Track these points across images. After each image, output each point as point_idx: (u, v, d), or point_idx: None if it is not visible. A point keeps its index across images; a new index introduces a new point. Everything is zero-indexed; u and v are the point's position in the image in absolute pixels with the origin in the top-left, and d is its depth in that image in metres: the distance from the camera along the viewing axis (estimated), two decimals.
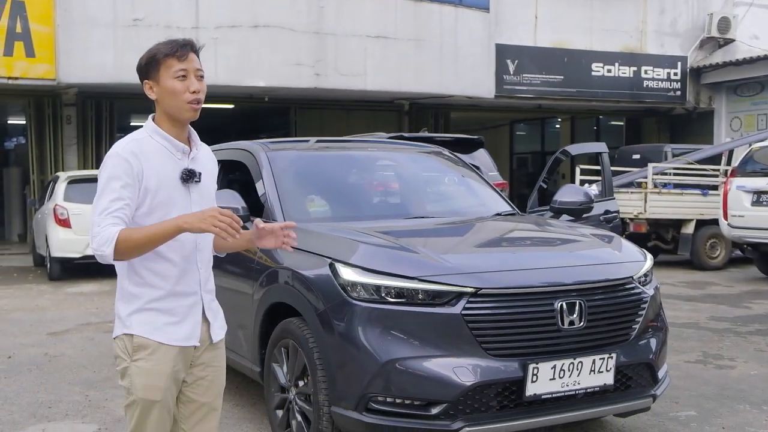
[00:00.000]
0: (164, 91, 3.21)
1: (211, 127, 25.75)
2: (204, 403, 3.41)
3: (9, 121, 25.86)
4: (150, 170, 3.15)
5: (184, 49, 3.23)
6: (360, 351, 4.43)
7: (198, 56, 3.32)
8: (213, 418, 3.47)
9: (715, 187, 16.01)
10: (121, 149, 3.16)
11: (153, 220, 3.14)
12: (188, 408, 3.38)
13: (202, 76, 3.29)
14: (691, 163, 16.79)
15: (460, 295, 4.38)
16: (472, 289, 4.39)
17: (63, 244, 14.08)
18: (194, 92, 3.21)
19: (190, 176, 3.25)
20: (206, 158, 3.43)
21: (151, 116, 3.31)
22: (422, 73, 18.76)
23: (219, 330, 3.42)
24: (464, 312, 4.35)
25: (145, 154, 3.17)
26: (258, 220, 3.40)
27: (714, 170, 16.70)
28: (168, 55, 3.20)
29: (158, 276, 3.20)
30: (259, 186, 6.00)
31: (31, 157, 19.59)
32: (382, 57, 18.24)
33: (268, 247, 3.40)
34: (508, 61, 20.58)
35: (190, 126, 3.35)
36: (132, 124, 28.28)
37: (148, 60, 3.23)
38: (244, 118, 24.58)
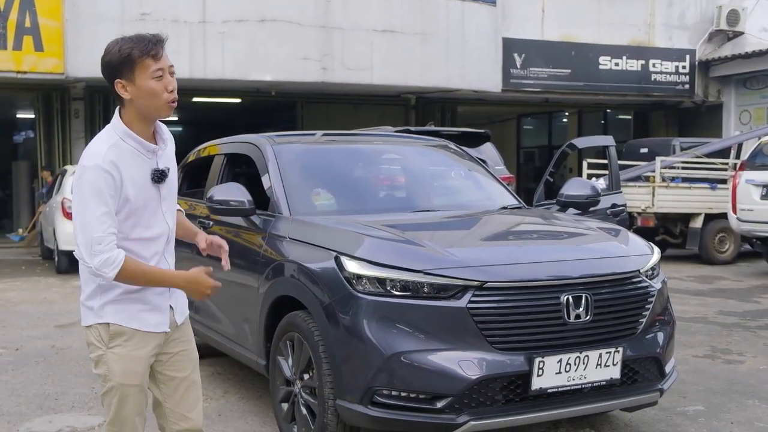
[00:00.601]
0: (142, 92, 3.19)
1: (218, 122, 25.85)
2: (184, 378, 3.55)
3: (18, 115, 25.88)
4: (128, 179, 3.20)
5: (157, 46, 3.20)
6: (365, 344, 4.41)
7: (164, 48, 3.27)
8: (195, 390, 3.61)
9: (723, 181, 15.95)
10: (101, 160, 3.15)
11: (128, 224, 3.23)
12: (169, 386, 3.52)
13: (174, 72, 3.29)
14: (700, 157, 16.72)
15: (465, 289, 4.36)
16: (477, 282, 4.37)
17: (71, 237, 13.92)
18: (171, 91, 3.23)
19: (161, 177, 3.32)
20: (170, 146, 3.46)
21: (117, 114, 3.30)
22: (429, 67, 18.71)
23: (181, 313, 3.55)
24: (470, 305, 4.33)
25: (122, 160, 3.19)
26: (201, 234, 3.80)
27: (723, 164, 16.65)
28: (143, 54, 3.17)
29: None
30: (265, 179, 5.99)
31: (39, 151, 19.63)
32: (389, 51, 18.21)
33: (212, 254, 3.77)
34: (515, 55, 20.49)
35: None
36: None
37: (121, 59, 3.18)
38: (250, 113, 24.58)
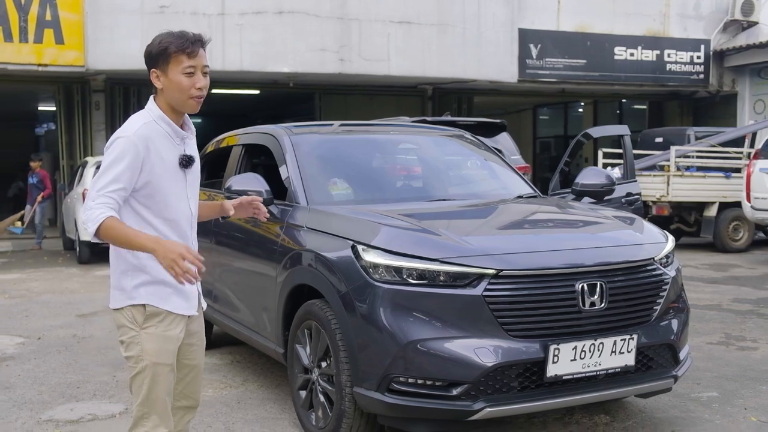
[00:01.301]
0: (171, 84, 3.37)
1: (237, 113, 25.92)
2: (194, 366, 3.69)
3: (39, 108, 26.01)
4: (156, 157, 3.35)
5: (194, 45, 3.36)
6: (382, 332, 4.42)
7: (205, 51, 3.44)
8: (200, 375, 3.78)
9: (738, 170, 15.88)
10: (132, 133, 3.32)
11: (153, 202, 3.38)
12: (182, 371, 3.63)
13: (207, 72, 3.44)
14: (714, 146, 16.65)
15: (481, 277, 4.36)
16: (493, 270, 4.37)
17: None
18: (199, 88, 3.39)
19: (187, 162, 3.48)
20: (194, 145, 3.64)
21: (152, 100, 3.47)
22: (445, 58, 18.68)
23: (202, 300, 3.69)
24: (485, 293, 4.33)
25: (153, 139, 3.36)
26: (227, 203, 3.80)
27: (737, 153, 16.56)
28: (179, 50, 3.34)
29: None
30: (282, 170, 5.99)
31: (60, 143, 19.72)
32: (406, 42, 18.18)
33: (242, 217, 3.85)
34: (531, 46, 20.42)
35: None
36: None
37: (159, 51, 3.36)
38: (269, 104, 24.60)
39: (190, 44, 3.35)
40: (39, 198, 17.42)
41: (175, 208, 3.47)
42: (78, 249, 14.64)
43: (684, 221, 16.26)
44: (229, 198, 5.67)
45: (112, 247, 3.41)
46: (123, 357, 3.51)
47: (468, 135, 7.24)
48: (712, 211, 15.73)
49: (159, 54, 3.36)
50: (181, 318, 3.48)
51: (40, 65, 16.64)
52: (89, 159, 15.97)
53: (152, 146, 3.34)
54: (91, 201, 3.24)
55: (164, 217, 3.42)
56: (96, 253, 14.51)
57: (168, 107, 3.43)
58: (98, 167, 14.44)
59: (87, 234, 3.30)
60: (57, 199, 20.27)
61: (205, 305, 3.74)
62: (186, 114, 3.53)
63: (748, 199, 13.88)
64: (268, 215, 3.81)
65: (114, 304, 3.46)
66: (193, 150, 3.57)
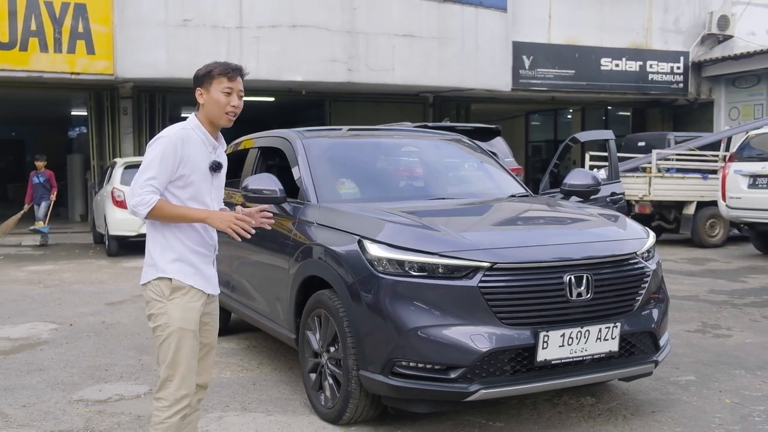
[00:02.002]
0: (211, 99, 3.71)
1: (254, 118, 25.92)
2: (207, 344, 3.90)
3: (72, 113, 26.02)
4: (189, 156, 3.66)
5: (234, 72, 3.74)
6: (385, 320, 4.43)
7: (243, 80, 3.79)
8: (212, 354, 4.00)
9: (714, 172, 15.83)
10: (173, 134, 3.66)
11: (185, 192, 3.69)
12: None
13: (242, 96, 3.79)
14: (693, 150, 16.62)
15: (477, 269, 4.36)
16: (488, 263, 4.37)
17: (120, 223, 14.17)
18: (234, 106, 3.74)
19: (216, 167, 3.81)
20: (224, 155, 3.96)
21: (194, 114, 3.80)
22: (445, 68, 18.66)
23: (217, 285, 3.92)
24: (481, 284, 4.33)
25: (189, 142, 3.68)
26: (239, 208, 3.84)
27: (713, 156, 16.50)
28: (221, 74, 3.71)
29: (188, 237, 3.71)
30: (295, 170, 5.99)
31: (91, 145, 19.72)
32: (409, 53, 18.17)
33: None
34: (524, 57, 20.39)
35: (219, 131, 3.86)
36: (182, 114, 28.45)
37: (205, 73, 3.73)
38: (283, 110, 24.57)
39: (231, 70, 3.72)
40: (53, 197, 17.05)
41: (203, 202, 3.76)
42: (107, 243, 14.66)
43: (664, 219, 16.22)
44: (245, 196, 5.71)
45: (148, 231, 3.75)
46: (151, 328, 3.73)
47: (465, 139, 7.22)
48: (690, 210, 15.70)
49: (204, 75, 3.72)
50: (201, 294, 3.73)
51: (72, 74, 16.64)
52: (118, 160, 15.99)
53: (187, 146, 3.65)
54: (138, 189, 3.55)
55: (198, 200, 3.73)
56: (124, 247, 14.55)
57: (206, 120, 3.75)
58: (126, 167, 14.49)
59: (135, 215, 3.58)
60: (88, 197, 20.30)
61: (218, 291, 3.93)
62: (219, 132, 3.84)
63: (724, 198, 13.85)
64: (272, 222, 3.96)
65: (144, 279, 3.72)
66: (222, 159, 3.88)
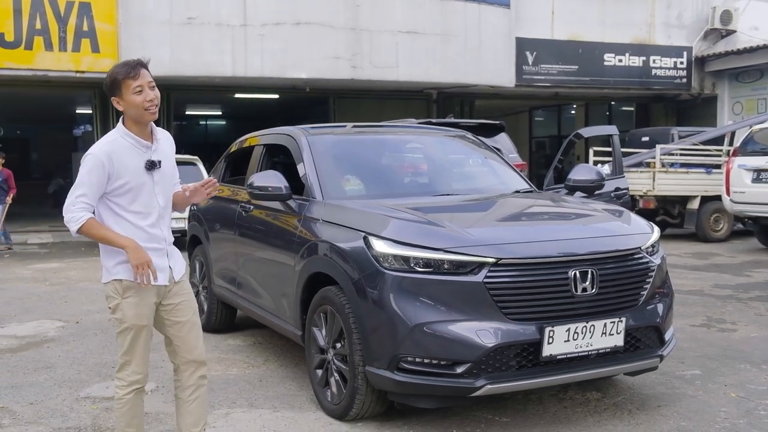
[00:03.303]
0: (128, 104, 3.79)
1: (258, 115, 25.90)
2: (186, 321, 4.12)
3: (77, 111, 26.05)
4: (121, 166, 3.80)
5: (135, 69, 3.79)
6: (391, 316, 4.43)
7: (148, 69, 3.86)
8: (195, 330, 4.18)
9: (718, 166, 15.81)
10: (97, 151, 3.80)
11: (125, 198, 3.85)
12: (175, 328, 4.11)
13: (153, 86, 3.84)
14: (696, 144, 16.59)
15: (482, 265, 4.36)
16: (493, 259, 4.37)
17: None
18: (150, 101, 3.79)
19: (152, 166, 3.90)
20: (165, 144, 4.05)
21: (120, 120, 3.91)
22: (449, 65, 18.65)
23: (179, 272, 4.10)
24: (486, 280, 4.33)
25: (117, 153, 3.80)
26: (184, 186, 4.13)
27: (717, 150, 16.49)
28: (126, 77, 3.76)
29: (133, 237, 3.84)
30: (300, 167, 5.98)
31: None
32: (413, 50, 18.15)
33: (198, 201, 4.24)
34: (527, 53, 20.37)
35: (152, 123, 3.94)
36: (187, 112, 28.46)
37: (112, 82, 3.80)
38: (287, 107, 24.57)
39: (132, 69, 3.78)
40: (9, 199, 15.72)
41: (146, 202, 3.91)
42: None
43: (669, 213, 16.22)
44: (250, 193, 5.73)
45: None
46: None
47: (469, 135, 7.21)
48: (694, 204, 15.70)
49: (113, 83, 3.79)
50: (154, 287, 3.94)
51: (77, 72, 16.67)
52: None
53: (115, 157, 3.78)
54: (70, 206, 3.76)
55: (132, 210, 3.87)
56: None
57: (131, 123, 3.86)
58: None
59: (71, 231, 3.78)
60: None
61: (178, 276, 4.08)
62: (153, 125, 3.96)
63: (728, 192, 13.84)
64: (214, 192, 4.20)
65: (103, 279, 3.97)
66: (160, 155, 3.95)
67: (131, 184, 3.82)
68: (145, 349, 4.04)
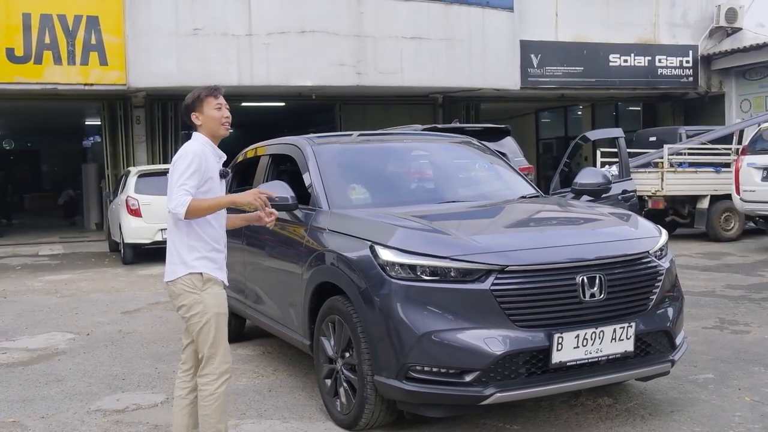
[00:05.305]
0: (207, 118, 4.30)
1: (265, 123, 25.96)
2: None
3: (86, 122, 26.14)
4: (208, 168, 4.22)
5: (217, 90, 4.34)
6: (399, 325, 4.40)
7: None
8: None
9: (727, 165, 15.71)
10: (199, 150, 4.20)
11: (206, 195, 4.17)
12: None
13: (228, 108, 4.37)
14: (704, 143, 16.51)
15: (488, 272, 4.33)
16: (499, 266, 4.34)
17: (135, 231, 14.21)
18: (227, 118, 4.34)
19: (224, 174, 4.42)
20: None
21: (196, 134, 4.34)
22: (453, 69, 18.65)
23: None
24: (493, 287, 4.30)
25: (207, 155, 4.24)
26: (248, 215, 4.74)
27: (726, 149, 16.40)
28: (208, 95, 4.29)
29: (208, 236, 4.23)
30: (306, 177, 5.97)
31: (105, 154, 19.77)
32: (417, 56, 18.16)
33: (262, 224, 4.51)
34: (532, 56, 20.32)
35: None
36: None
37: (195, 98, 4.30)
38: (293, 115, 24.59)
39: (215, 90, 4.32)
40: None
41: None
42: (122, 251, 14.70)
43: (678, 213, 16.14)
44: None
45: (170, 234, 4.26)
46: (183, 318, 4.22)
47: (474, 141, 7.20)
48: (704, 204, 15.61)
49: (195, 100, 4.28)
50: (223, 284, 4.30)
51: (86, 85, 16.70)
52: (132, 168, 16.00)
53: (206, 160, 4.20)
54: (174, 193, 4.04)
55: None
56: (139, 255, 14.57)
57: (210, 135, 4.32)
58: (140, 176, 14.58)
59: (175, 217, 4.08)
60: (103, 206, 20.35)
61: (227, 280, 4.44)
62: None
63: (738, 191, 13.76)
64: (273, 222, 4.42)
65: (172, 276, 4.20)
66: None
67: (212, 185, 4.23)
68: (227, 338, 4.26)
